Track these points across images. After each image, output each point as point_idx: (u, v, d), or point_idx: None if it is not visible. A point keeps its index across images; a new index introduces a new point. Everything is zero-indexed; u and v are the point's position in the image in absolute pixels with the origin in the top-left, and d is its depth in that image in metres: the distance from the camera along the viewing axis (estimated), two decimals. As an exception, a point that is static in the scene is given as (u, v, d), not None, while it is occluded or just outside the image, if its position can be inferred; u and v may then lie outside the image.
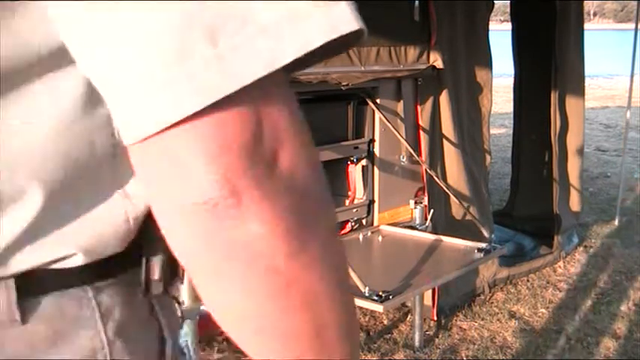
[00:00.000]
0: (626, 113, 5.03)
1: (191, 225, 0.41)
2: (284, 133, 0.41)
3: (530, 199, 4.37)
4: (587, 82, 4.59)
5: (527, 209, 4.35)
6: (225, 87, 0.38)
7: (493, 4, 3.78)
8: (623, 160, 5.09)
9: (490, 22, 3.70)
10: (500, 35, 6.14)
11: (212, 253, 0.42)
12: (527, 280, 3.74)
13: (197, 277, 0.45)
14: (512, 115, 4.70)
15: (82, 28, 0.40)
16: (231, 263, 0.42)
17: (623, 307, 3.42)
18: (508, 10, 4.51)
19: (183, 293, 2.09)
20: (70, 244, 0.50)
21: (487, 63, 3.60)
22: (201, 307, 2.10)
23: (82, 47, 0.40)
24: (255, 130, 0.40)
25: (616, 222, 4.79)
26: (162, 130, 0.39)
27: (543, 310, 3.37)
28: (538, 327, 3.22)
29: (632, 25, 4.77)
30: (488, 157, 3.70)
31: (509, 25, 4.39)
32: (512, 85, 4.56)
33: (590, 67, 4.33)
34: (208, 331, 2.43)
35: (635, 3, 4.76)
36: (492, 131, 3.97)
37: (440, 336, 3.07)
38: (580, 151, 4.30)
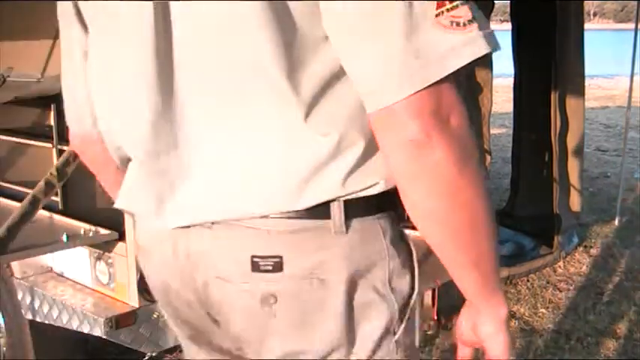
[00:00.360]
0: (626, 113, 5.03)
1: (405, 153, 0.75)
2: (452, 104, 0.75)
3: (530, 199, 4.36)
4: (587, 82, 4.59)
5: (527, 209, 4.35)
6: (425, 81, 0.72)
7: (493, 4, 3.78)
8: (623, 160, 5.09)
9: (490, 22, 3.69)
10: (500, 35, 6.12)
11: (414, 170, 0.76)
12: (527, 280, 3.74)
13: (404, 186, 0.79)
14: (512, 115, 4.70)
15: (354, 54, 0.76)
16: (424, 176, 0.76)
17: (623, 307, 3.42)
18: (508, 10, 4.50)
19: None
20: (375, 175, 0.83)
21: (487, 63, 3.61)
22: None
23: (352, 61, 0.76)
24: (438, 103, 0.74)
25: (616, 222, 4.79)
26: (393, 104, 0.73)
27: (543, 310, 3.37)
28: (538, 327, 3.22)
29: (632, 25, 4.77)
30: (488, 157, 3.71)
31: (509, 25, 4.38)
32: (512, 85, 4.55)
33: (590, 67, 4.33)
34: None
35: (635, 3, 4.76)
36: (492, 131, 3.98)
37: (440, 336, 3.07)
38: (580, 151, 4.29)
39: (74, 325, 2.23)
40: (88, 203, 2.43)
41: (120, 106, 0.88)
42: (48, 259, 2.49)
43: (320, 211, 0.82)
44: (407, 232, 0.90)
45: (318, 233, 0.82)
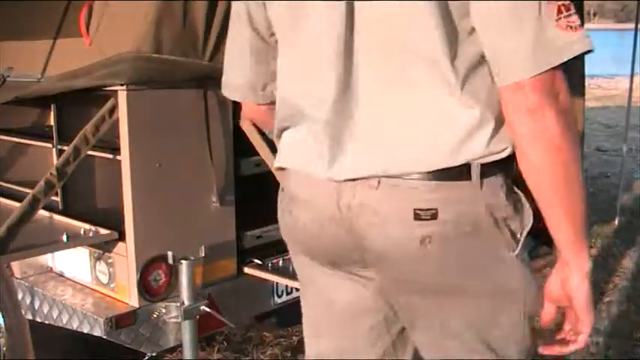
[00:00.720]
0: (626, 113, 5.03)
1: (525, 118, 1.05)
2: (561, 86, 1.05)
3: (531, 199, 4.34)
4: (587, 82, 4.58)
5: (527, 209, 4.33)
6: (547, 65, 1.02)
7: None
8: (623, 160, 5.09)
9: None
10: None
11: (530, 131, 1.05)
12: (528, 280, 3.73)
13: (522, 145, 1.08)
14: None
15: (496, 43, 1.05)
16: (538, 137, 1.05)
17: (623, 307, 3.42)
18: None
19: (184, 293, 2.09)
20: (506, 142, 1.11)
21: (487, 63, 3.59)
22: (202, 307, 2.10)
23: (494, 48, 1.05)
24: (551, 83, 1.04)
25: (616, 222, 4.79)
26: (522, 80, 1.03)
27: (543, 310, 3.37)
28: (538, 327, 3.21)
29: (632, 25, 4.77)
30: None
31: (509, 25, 4.36)
32: (512, 85, 4.53)
33: (590, 67, 4.32)
34: (208, 331, 2.42)
35: (635, 3, 4.75)
36: (492, 131, 3.97)
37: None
38: (580, 151, 4.28)
39: (74, 325, 2.23)
40: (88, 203, 2.43)
41: (309, 87, 1.17)
42: (48, 259, 2.49)
43: (462, 174, 1.10)
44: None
45: (462, 191, 1.11)
